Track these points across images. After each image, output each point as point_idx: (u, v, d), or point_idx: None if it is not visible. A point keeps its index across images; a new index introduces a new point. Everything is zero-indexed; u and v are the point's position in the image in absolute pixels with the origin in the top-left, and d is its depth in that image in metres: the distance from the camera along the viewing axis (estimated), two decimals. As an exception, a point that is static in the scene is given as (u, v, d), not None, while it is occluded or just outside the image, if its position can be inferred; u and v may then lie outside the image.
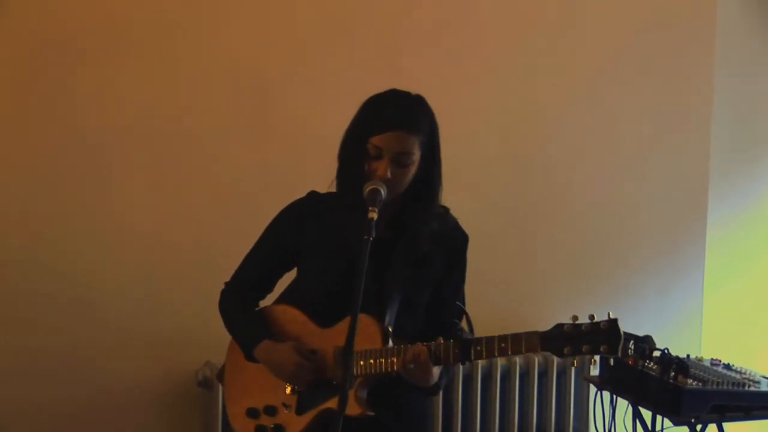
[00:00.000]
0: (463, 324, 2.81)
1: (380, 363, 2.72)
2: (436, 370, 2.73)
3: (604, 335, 2.56)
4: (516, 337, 2.64)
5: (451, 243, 2.90)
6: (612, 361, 4.00)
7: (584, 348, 2.57)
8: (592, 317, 2.59)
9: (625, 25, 4.95)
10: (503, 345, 2.64)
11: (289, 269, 3.01)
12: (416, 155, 2.74)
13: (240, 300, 2.98)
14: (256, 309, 2.99)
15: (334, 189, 2.88)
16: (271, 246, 2.97)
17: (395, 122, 2.71)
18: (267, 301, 3.05)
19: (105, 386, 4.32)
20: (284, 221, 2.95)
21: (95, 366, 4.30)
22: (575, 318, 2.60)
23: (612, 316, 2.57)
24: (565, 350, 2.59)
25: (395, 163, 2.71)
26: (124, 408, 4.34)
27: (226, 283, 3.03)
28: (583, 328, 2.58)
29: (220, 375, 3.08)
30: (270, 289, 3.03)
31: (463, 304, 2.94)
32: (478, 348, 2.66)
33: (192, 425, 4.39)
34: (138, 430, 4.37)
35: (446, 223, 2.89)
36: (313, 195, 2.94)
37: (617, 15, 4.95)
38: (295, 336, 2.85)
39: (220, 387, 3.09)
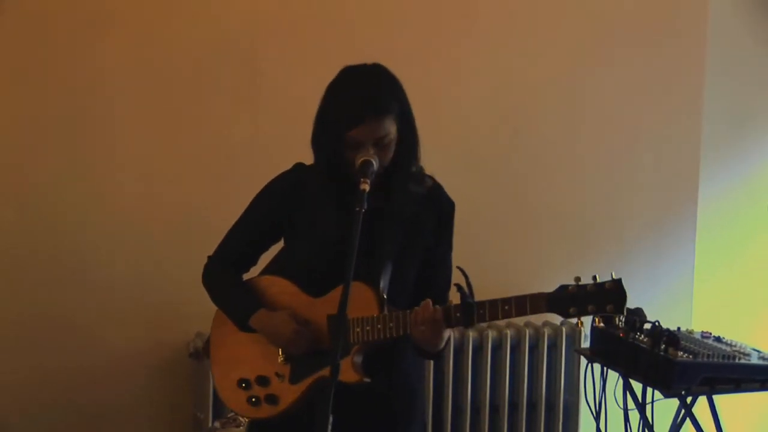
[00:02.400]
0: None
1: (378, 329, 2.71)
2: (446, 333, 2.73)
3: (608, 294, 2.57)
4: (520, 299, 2.63)
5: (438, 207, 2.89)
6: (600, 321, 3.99)
7: (590, 308, 2.58)
8: (594, 278, 2.60)
9: (619, 3, 4.94)
10: (507, 307, 2.63)
11: (275, 242, 2.98)
12: (393, 131, 2.74)
13: (226, 272, 2.96)
14: (243, 280, 2.97)
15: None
16: (258, 218, 2.95)
17: (367, 112, 2.70)
18: (250, 275, 3.01)
19: (97, 358, 4.34)
20: (271, 193, 2.93)
21: (87, 338, 4.31)
22: (578, 279, 2.61)
23: (615, 278, 2.58)
24: (571, 310, 2.60)
25: (376, 146, 2.71)
26: (116, 379, 4.36)
27: (210, 257, 3.00)
28: (587, 288, 2.59)
29: (206, 348, 3.04)
30: (254, 262, 3.00)
31: (450, 272, 2.93)
32: (482, 311, 2.65)
33: (184, 396, 4.41)
34: (130, 401, 4.39)
35: (433, 189, 2.88)
36: (299, 167, 2.92)
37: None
38: (287, 306, 2.84)
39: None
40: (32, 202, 4.24)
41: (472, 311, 2.65)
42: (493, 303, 2.65)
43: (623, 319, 3.95)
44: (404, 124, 2.77)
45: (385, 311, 2.72)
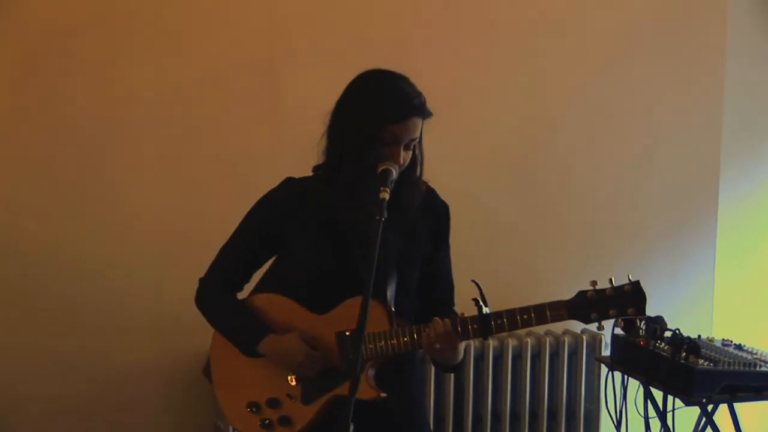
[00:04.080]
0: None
1: (392, 345, 2.71)
2: (461, 346, 2.72)
3: (629, 297, 2.59)
4: (539, 308, 2.63)
5: (434, 213, 2.89)
6: (622, 326, 3.97)
7: (611, 312, 2.59)
8: (611, 281, 2.61)
9: (638, 6, 4.93)
10: (526, 316, 2.63)
11: (269, 258, 2.94)
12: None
13: (224, 296, 2.91)
14: (240, 300, 2.92)
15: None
16: (250, 237, 2.89)
17: (415, 110, 2.70)
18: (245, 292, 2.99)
19: (113, 372, 4.35)
20: (263, 210, 2.89)
21: (105, 349, 4.33)
22: (594, 283, 2.62)
23: (632, 278, 2.58)
24: (592, 316, 2.60)
25: (406, 147, 2.71)
26: (136, 388, 4.38)
27: (202, 280, 2.95)
28: (606, 292, 2.60)
29: (206, 370, 3.00)
30: (248, 280, 2.96)
31: (451, 272, 2.94)
32: (500, 321, 2.65)
33: (204, 405, 4.41)
34: (146, 415, 4.40)
35: (427, 195, 2.87)
36: (289, 180, 2.89)
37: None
38: (289, 325, 2.80)
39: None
40: (51, 213, 4.25)
41: (488, 322, 2.65)
42: (511, 312, 2.64)
43: (644, 327, 3.95)
44: (420, 135, 2.78)
45: (395, 325, 2.72)
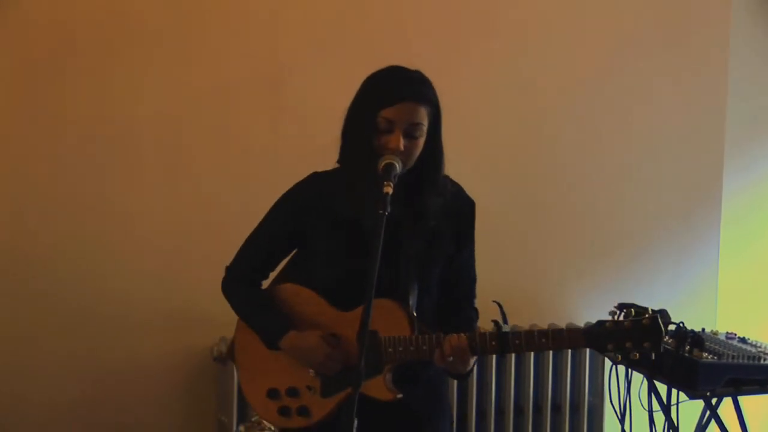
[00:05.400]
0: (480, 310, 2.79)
1: (411, 351, 2.72)
2: (472, 360, 2.74)
3: (646, 331, 2.60)
4: (558, 333, 2.66)
5: (459, 214, 2.88)
6: (635, 357, 3.98)
7: (627, 344, 2.61)
8: (629, 312, 2.65)
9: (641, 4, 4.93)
10: (544, 340, 2.66)
11: (291, 251, 2.96)
12: (425, 126, 2.72)
13: (249, 287, 2.94)
14: (265, 290, 2.95)
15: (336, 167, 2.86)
16: (277, 229, 2.91)
17: (407, 93, 2.69)
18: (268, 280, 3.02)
19: (121, 362, 4.35)
20: (289, 204, 2.90)
21: (110, 342, 4.33)
22: (614, 313, 2.68)
23: (652, 312, 2.62)
24: (609, 347, 2.63)
25: (406, 135, 2.69)
26: (140, 384, 4.38)
27: (228, 268, 2.98)
28: (625, 324, 2.62)
29: (230, 351, 3.03)
30: (274, 269, 2.98)
31: (474, 269, 2.94)
32: (517, 342, 2.67)
33: (208, 400, 4.42)
34: (154, 405, 4.40)
35: (452, 194, 2.86)
36: (315, 176, 2.90)
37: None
38: (312, 319, 2.82)
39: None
40: (54, 208, 4.25)
41: (506, 341, 2.66)
42: (529, 334, 2.67)
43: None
44: (433, 130, 2.75)
45: (416, 331, 2.72)
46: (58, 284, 4.26)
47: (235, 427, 4.16)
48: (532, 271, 4.81)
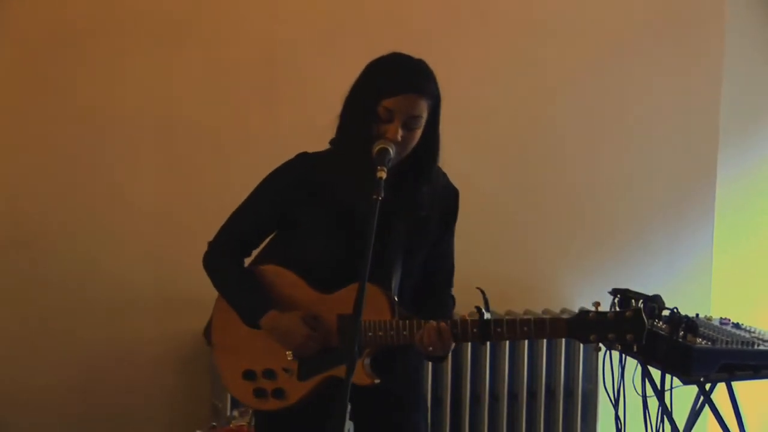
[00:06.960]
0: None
1: (391, 336, 2.72)
2: (452, 345, 2.73)
3: (629, 324, 2.61)
4: (540, 322, 2.67)
5: (445, 202, 2.89)
6: (618, 348, 3.98)
7: (610, 336, 2.62)
8: (619, 307, 2.65)
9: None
10: (526, 329, 2.66)
11: (278, 228, 2.93)
12: (424, 119, 2.71)
13: (231, 263, 2.91)
14: (247, 268, 2.93)
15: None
16: (261, 207, 2.89)
17: (409, 85, 2.68)
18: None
19: (114, 347, 4.37)
20: (276, 182, 2.88)
21: (103, 328, 4.33)
22: (597, 304, 2.64)
23: (635, 306, 2.63)
24: (591, 337, 2.63)
25: (405, 126, 2.68)
26: (135, 369, 4.39)
27: (211, 243, 2.95)
28: (608, 316, 2.63)
29: (207, 332, 3.01)
30: (257, 247, 2.96)
31: (453, 256, 2.95)
32: (499, 329, 2.67)
33: (202, 385, 4.42)
34: (148, 390, 4.41)
35: (439, 183, 2.86)
36: (304, 156, 2.88)
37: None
38: (293, 300, 2.82)
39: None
40: (47, 193, 4.26)
41: (488, 328, 2.67)
42: (511, 322, 2.67)
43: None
44: (432, 121, 2.75)
45: (397, 316, 2.72)
46: (51, 269, 4.27)
47: (229, 412, 4.16)
48: (527, 257, 4.82)
